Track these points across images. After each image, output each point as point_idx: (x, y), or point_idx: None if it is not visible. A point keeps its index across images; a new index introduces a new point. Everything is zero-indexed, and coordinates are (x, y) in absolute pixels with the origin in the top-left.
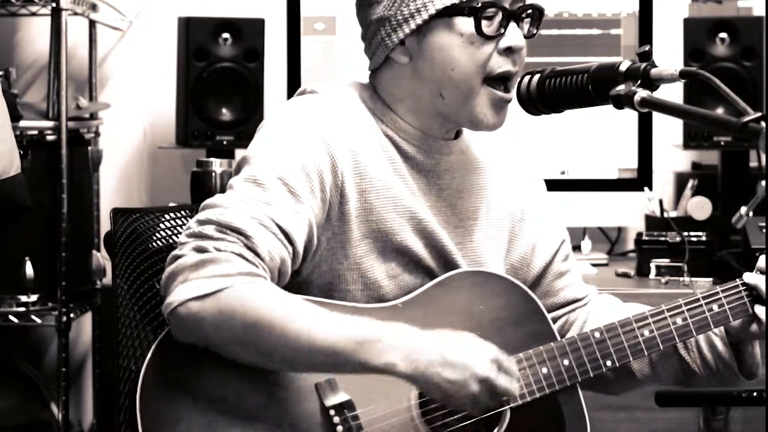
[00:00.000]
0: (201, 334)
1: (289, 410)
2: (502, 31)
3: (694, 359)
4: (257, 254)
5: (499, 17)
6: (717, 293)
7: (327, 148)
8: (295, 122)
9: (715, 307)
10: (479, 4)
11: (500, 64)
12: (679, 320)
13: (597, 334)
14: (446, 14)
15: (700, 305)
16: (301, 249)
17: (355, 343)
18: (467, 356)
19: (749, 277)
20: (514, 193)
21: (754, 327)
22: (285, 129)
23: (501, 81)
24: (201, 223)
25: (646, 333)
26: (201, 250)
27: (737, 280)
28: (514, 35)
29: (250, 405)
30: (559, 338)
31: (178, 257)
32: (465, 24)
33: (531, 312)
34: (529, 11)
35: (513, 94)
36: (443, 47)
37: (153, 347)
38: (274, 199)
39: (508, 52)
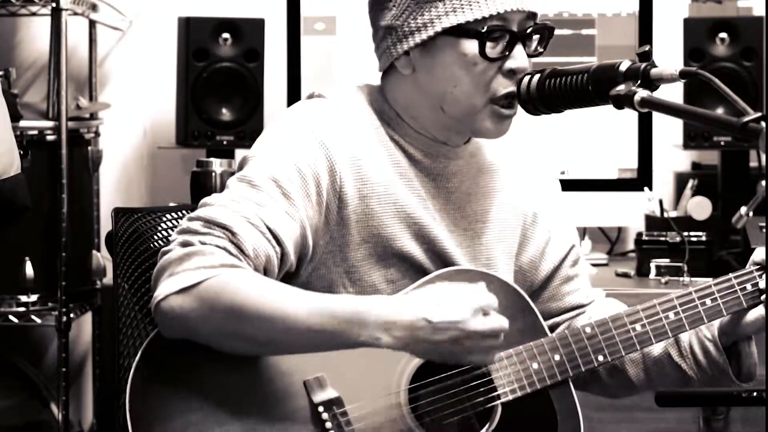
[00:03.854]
0: (186, 326)
1: (278, 407)
2: (507, 53)
3: (690, 365)
4: (241, 250)
5: (505, 39)
6: (710, 287)
7: (325, 152)
8: (295, 125)
9: (708, 301)
10: (485, 28)
11: (504, 86)
12: (671, 315)
13: (588, 330)
14: (452, 33)
15: (693, 300)
16: (291, 250)
17: (335, 321)
18: (451, 314)
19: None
20: (526, 194)
21: (748, 318)
22: (284, 132)
23: (504, 98)
24: (190, 219)
25: (638, 328)
26: (186, 244)
27: (730, 274)
28: (519, 57)
29: (239, 403)
30: (549, 334)
31: (165, 253)
32: (470, 45)
33: (520, 308)
34: (539, 29)
35: (516, 108)
36: (446, 65)
37: (143, 347)
38: (266, 199)
39: (512, 74)
